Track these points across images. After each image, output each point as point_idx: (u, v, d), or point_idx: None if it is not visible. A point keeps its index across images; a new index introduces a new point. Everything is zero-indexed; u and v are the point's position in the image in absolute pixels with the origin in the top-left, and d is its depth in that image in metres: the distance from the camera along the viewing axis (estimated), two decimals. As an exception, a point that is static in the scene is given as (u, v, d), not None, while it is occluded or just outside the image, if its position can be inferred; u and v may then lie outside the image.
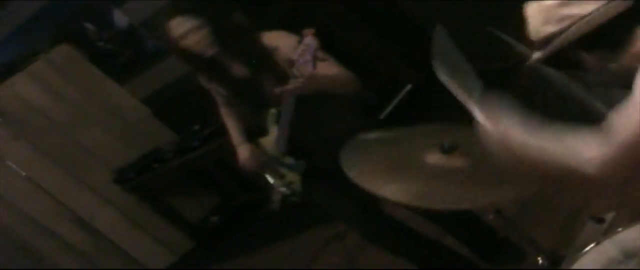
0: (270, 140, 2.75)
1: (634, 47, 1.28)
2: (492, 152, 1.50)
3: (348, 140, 2.02)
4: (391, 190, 1.83)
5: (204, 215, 6.03)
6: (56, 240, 5.59)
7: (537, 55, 1.37)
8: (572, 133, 1.36)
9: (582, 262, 1.69)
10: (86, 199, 5.66)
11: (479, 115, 1.54)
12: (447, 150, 1.82)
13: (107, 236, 5.72)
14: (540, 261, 2.04)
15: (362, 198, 2.75)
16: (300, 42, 2.48)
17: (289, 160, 2.74)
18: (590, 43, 1.31)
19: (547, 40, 1.33)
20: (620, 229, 1.70)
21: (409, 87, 4.98)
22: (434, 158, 1.85)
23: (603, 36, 1.29)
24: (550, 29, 1.33)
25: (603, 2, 1.29)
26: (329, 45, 2.70)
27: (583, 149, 1.33)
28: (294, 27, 2.66)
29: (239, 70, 2.73)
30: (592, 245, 1.71)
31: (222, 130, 4.93)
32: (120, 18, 5.80)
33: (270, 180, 2.82)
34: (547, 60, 1.37)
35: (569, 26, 1.30)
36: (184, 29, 2.61)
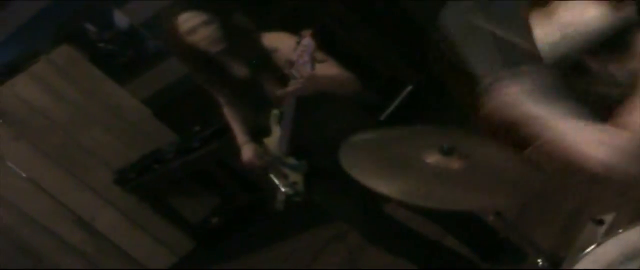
0: (273, 140, 2.75)
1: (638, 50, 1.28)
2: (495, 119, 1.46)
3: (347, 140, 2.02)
4: (391, 188, 1.83)
5: (205, 216, 6.03)
6: (56, 240, 5.59)
7: (546, 62, 1.36)
8: (585, 126, 1.34)
9: (582, 263, 1.68)
10: (86, 199, 5.66)
11: (491, 82, 1.48)
12: (447, 152, 1.82)
13: (107, 237, 5.72)
14: (541, 262, 2.03)
15: (362, 198, 2.77)
16: (298, 43, 2.48)
17: (292, 160, 2.74)
18: (594, 47, 1.31)
19: (553, 47, 1.33)
20: (620, 230, 1.69)
21: (409, 87, 4.98)
22: (434, 159, 1.84)
23: (607, 40, 1.29)
24: (556, 35, 1.33)
25: (604, 6, 1.29)
26: (329, 46, 2.70)
27: (592, 146, 1.32)
28: (295, 27, 2.66)
29: (239, 70, 2.74)
30: (592, 246, 1.70)
31: (223, 131, 4.97)
32: (121, 19, 5.80)
33: (274, 180, 2.82)
34: (555, 66, 1.36)
35: (573, 31, 1.30)
36: (193, 23, 2.61)
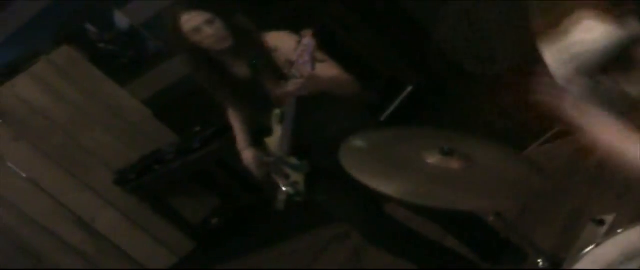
0: (275, 140, 2.76)
1: None
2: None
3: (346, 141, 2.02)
4: (392, 188, 1.83)
5: (205, 217, 6.03)
6: (56, 241, 5.59)
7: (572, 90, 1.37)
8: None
9: (582, 263, 1.68)
10: (87, 200, 5.66)
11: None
12: (447, 153, 1.83)
13: (107, 237, 5.72)
14: (541, 263, 2.04)
15: (363, 199, 2.77)
16: (299, 42, 2.48)
17: (293, 160, 2.74)
18: (604, 64, 1.32)
19: (564, 66, 1.34)
20: (620, 231, 1.69)
21: (410, 88, 4.98)
22: (434, 159, 1.85)
23: (615, 56, 1.30)
24: (566, 55, 1.34)
25: (610, 24, 1.30)
26: (329, 46, 2.70)
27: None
28: (295, 27, 2.67)
29: (240, 70, 2.74)
30: (592, 246, 1.70)
31: (223, 132, 4.97)
32: (122, 19, 5.80)
33: (276, 180, 2.82)
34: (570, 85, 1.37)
35: (582, 50, 1.31)
36: (198, 22, 2.61)
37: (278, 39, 2.70)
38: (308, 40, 2.47)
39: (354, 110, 2.86)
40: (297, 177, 2.76)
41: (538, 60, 1.45)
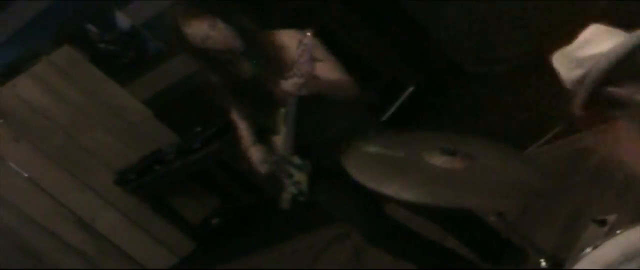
0: (281, 139, 2.76)
1: None
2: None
3: (349, 142, 2.02)
4: (392, 188, 1.83)
5: (205, 217, 6.03)
6: (57, 241, 5.59)
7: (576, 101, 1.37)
8: None
9: (582, 264, 1.68)
10: (87, 200, 5.66)
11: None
12: (449, 153, 1.83)
13: (108, 237, 5.72)
14: (542, 263, 2.03)
15: (364, 199, 2.77)
16: (300, 42, 2.49)
17: (297, 159, 2.74)
18: (617, 77, 1.32)
19: (578, 84, 1.35)
20: (619, 231, 1.69)
21: (411, 89, 4.98)
22: (436, 160, 1.85)
23: (627, 68, 1.31)
24: (579, 72, 1.34)
25: (618, 37, 1.31)
26: (330, 46, 2.70)
27: None
28: (295, 27, 2.67)
29: (244, 69, 2.73)
30: (592, 246, 1.70)
31: (223, 132, 4.96)
32: (122, 20, 5.81)
33: (281, 178, 2.82)
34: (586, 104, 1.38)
35: (594, 65, 1.32)
36: (203, 30, 2.59)
37: (286, 37, 2.69)
38: (307, 39, 2.47)
39: (355, 111, 2.86)
40: (300, 176, 2.77)
41: (538, 60, 1.45)
